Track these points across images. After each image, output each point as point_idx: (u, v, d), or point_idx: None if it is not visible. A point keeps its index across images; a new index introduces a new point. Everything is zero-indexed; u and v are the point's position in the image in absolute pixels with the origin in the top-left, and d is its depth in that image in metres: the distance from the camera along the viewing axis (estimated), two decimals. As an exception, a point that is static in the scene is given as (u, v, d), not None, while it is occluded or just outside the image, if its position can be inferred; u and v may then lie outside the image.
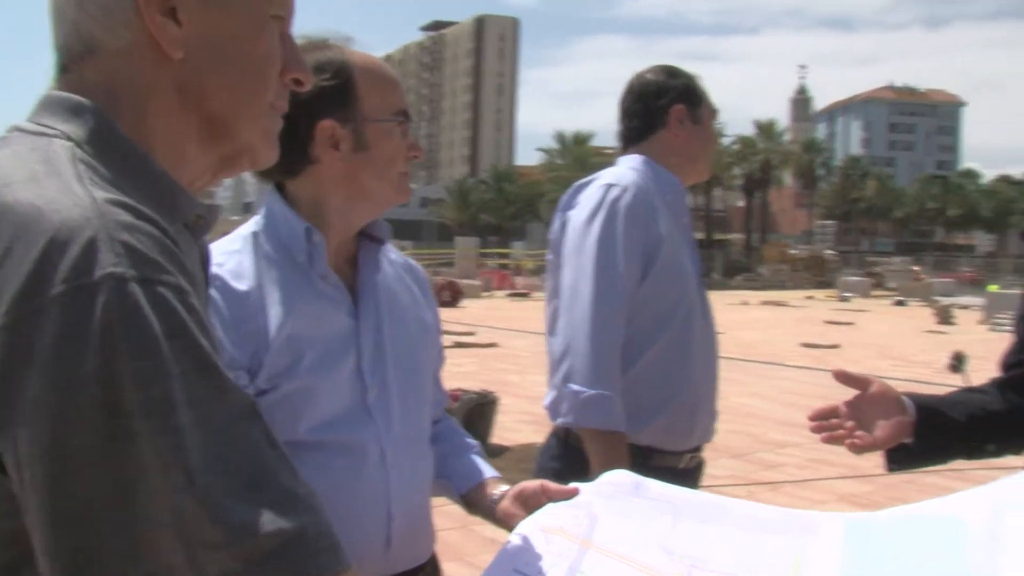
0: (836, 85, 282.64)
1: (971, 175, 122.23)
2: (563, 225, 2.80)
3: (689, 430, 2.78)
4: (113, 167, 0.97)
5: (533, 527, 1.49)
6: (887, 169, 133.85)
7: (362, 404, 1.75)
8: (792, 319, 26.23)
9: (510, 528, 1.62)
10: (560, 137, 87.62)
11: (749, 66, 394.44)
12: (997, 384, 2.19)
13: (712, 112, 2.97)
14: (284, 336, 1.68)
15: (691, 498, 1.60)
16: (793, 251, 57.83)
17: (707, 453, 2.95)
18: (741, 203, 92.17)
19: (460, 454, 1.98)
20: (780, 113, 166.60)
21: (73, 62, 1.05)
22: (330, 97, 1.73)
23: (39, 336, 0.83)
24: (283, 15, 1.14)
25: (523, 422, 9.57)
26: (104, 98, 1.02)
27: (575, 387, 2.59)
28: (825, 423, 2.03)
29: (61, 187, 0.91)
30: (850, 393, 2.04)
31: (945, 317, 26.43)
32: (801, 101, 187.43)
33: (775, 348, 18.17)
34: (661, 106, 2.88)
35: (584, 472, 1.82)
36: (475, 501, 1.86)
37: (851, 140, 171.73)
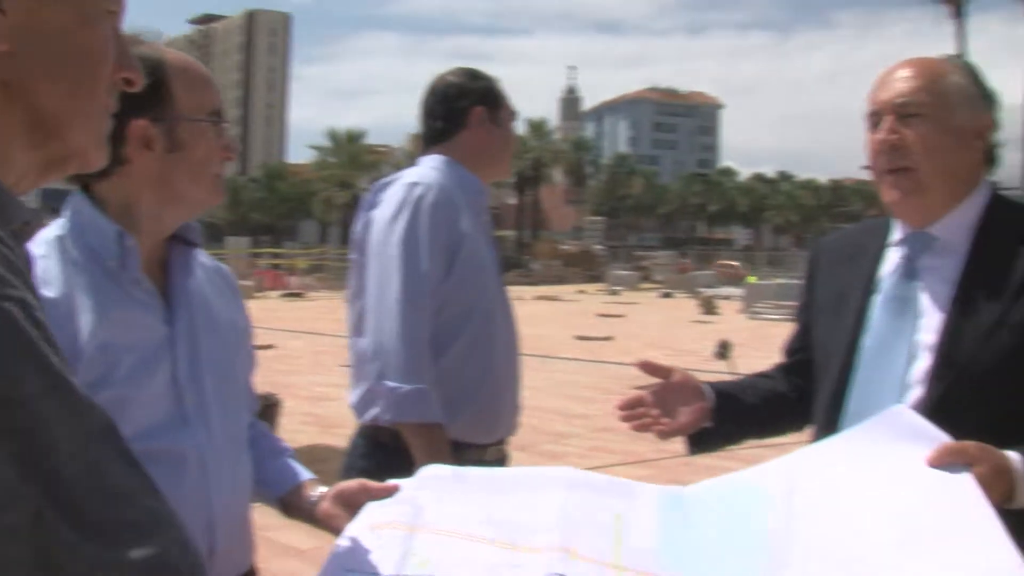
0: (604, 86, 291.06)
1: (729, 173, 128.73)
2: (367, 224, 2.80)
3: (494, 423, 2.85)
4: None
5: (361, 526, 1.50)
6: (652, 167, 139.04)
7: (179, 412, 1.70)
8: (565, 313, 26.94)
9: (331, 529, 1.62)
10: (333, 135, 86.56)
11: (521, 66, 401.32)
12: (782, 369, 2.38)
13: (511, 114, 3.03)
14: (96, 345, 1.60)
15: (512, 474, 1.66)
16: (564, 247, 59.37)
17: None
18: (513, 200, 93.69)
19: (275, 457, 1.96)
20: (550, 112, 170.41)
21: None
22: (143, 96, 1.66)
23: None
24: (115, 10, 1.08)
25: (307, 424, 9.46)
26: None
27: (391, 384, 2.60)
28: (633, 412, 2.12)
29: None
30: (624, 382, 2.15)
31: (709, 308, 27.81)
32: (571, 101, 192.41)
33: (551, 342, 18.61)
34: (462, 107, 2.92)
35: (394, 468, 1.82)
36: (293, 504, 1.84)
37: (618, 139, 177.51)
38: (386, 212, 2.74)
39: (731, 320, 25.02)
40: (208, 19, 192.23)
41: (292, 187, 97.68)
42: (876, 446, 1.62)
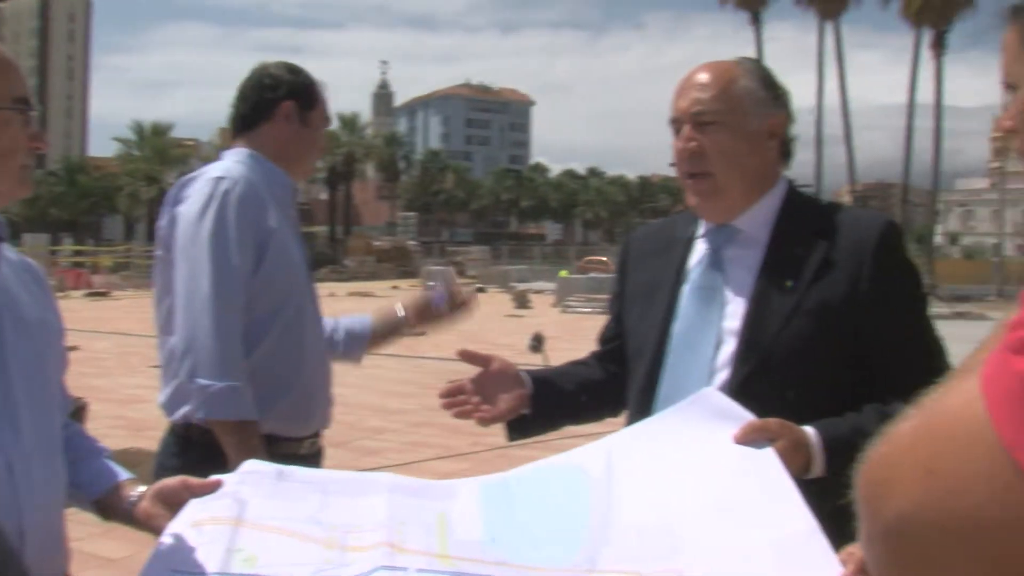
0: (417, 81, 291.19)
1: (541, 169, 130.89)
2: (172, 220, 2.73)
3: (308, 416, 2.84)
4: None
5: (183, 524, 1.48)
6: (465, 163, 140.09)
7: None
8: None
9: (151, 529, 1.58)
10: (138, 127, 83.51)
11: (333, 60, 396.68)
12: (597, 356, 2.46)
13: (325, 119, 2.99)
14: None
15: (336, 477, 1.67)
16: (377, 243, 59.12)
17: (317, 444, 2.99)
18: (324, 196, 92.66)
19: (90, 459, 1.88)
20: (363, 107, 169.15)
21: None
22: None
23: None
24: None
25: (116, 427, 9.13)
26: None
27: (203, 381, 2.55)
28: (455, 400, 2.16)
29: None
30: (440, 376, 2.19)
31: (522, 302, 28.20)
32: (383, 96, 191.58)
33: (366, 338, 18.49)
34: (272, 99, 2.87)
35: (207, 466, 1.79)
36: (110, 506, 1.78)
37: (431, 135, 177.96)
38: (192, 208, 2.67)
39: (544, 314, 25.48)
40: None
41: (95, 181, 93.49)
42: (687, 426, 1.72)
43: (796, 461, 1.75)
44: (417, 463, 8.11)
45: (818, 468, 1.82)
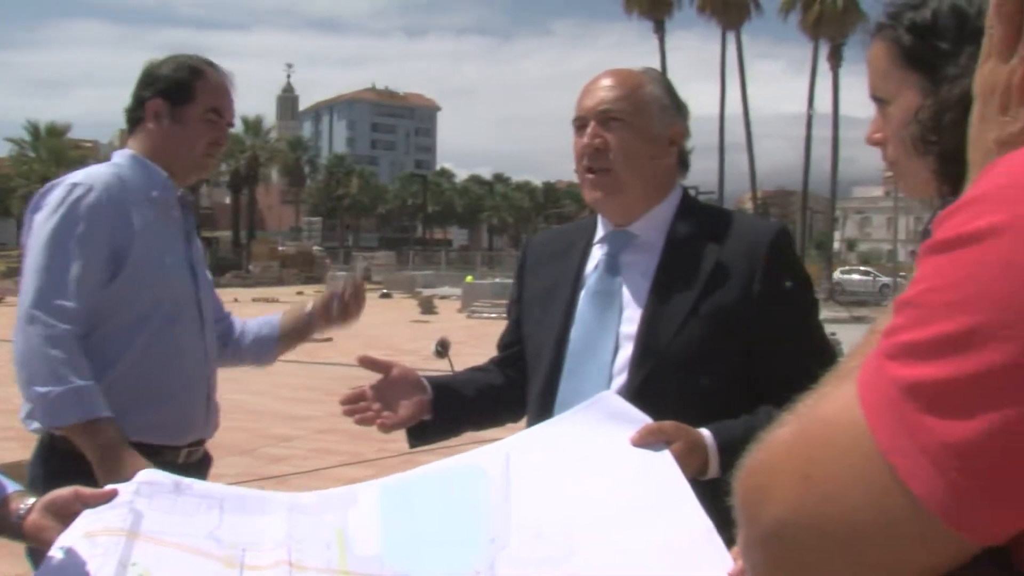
0: (323, 85, 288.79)
1: (446, 175, 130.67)
2: (28, 228, 2.65)
3: (184, 425, 2.76)
4: None
5: (75, 535, 1.44)
6: (370, 167, 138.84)
7: None
8: (285, 315, 26.49)
9: (41, 543, 1.53)
10: (32, 128, 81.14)
11: (238, 62, 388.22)
12: (496, 362, 2.48)
13: (209, 113, 2.79)
14: None
15: (235, 493, 1.65)
16: (282, 248, 58.40)
17: (211, 452, 2.95)
18: (228, 200, 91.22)
19: None
20: (267, 110, 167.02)
21: None
22: None
23: None
24: None
25: (7, 439, 8.84)
26: None
27: (41, 389, 2.45)
28: (356, 406, 2.16)
29: None
30: (346, 383, 2.20)
31: (428, 307, 28.14)
32: (288, 99, 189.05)
33: (270, 344, 18.26)
34: (144, 97, 2.78)
35: (75, 475, 1.74)
36: None
37: (336, 139, 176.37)
38: (42, 216, 2.59)
39: (450, 319, 25.45)
40: None
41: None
42: (586, 429, 1.76)
43: (692, 463, 1.80)
44: (323, 470, 8.06)
45: (714, 469, 1.86)
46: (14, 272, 44.82)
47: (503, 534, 1.51)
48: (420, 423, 2.24)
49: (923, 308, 0.71)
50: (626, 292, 2.19)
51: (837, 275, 49.88)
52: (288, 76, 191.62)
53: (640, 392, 1.99)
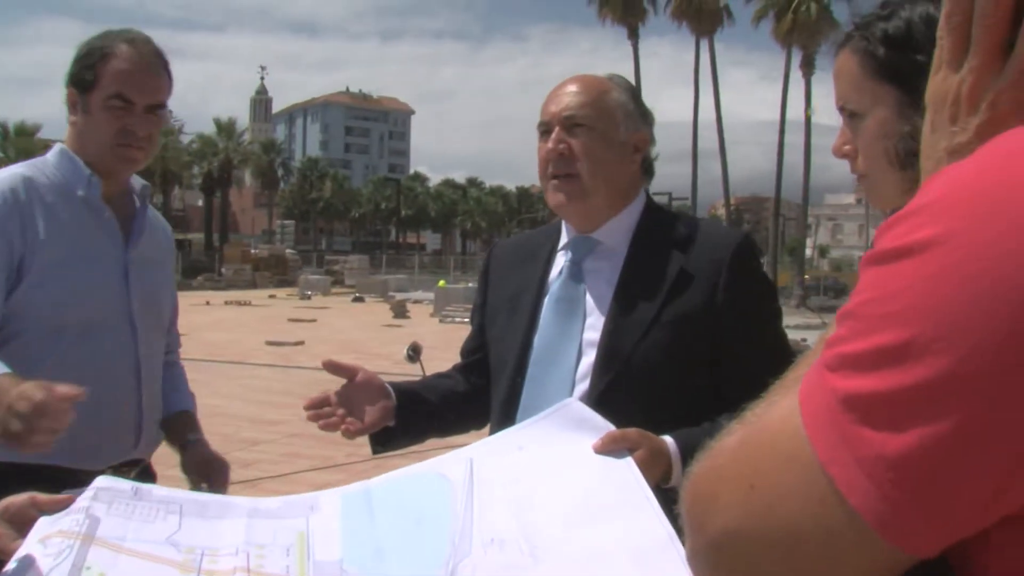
0: (296, 88, 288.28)
1: (420, 179, 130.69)
2: None
3: (104, 448, 2.48)
4: None
5: (31, 541, 1.43)
6: (343, 171, 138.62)
7: None
8: (256, 318, 26.43)
9: None
10: (1, 128, 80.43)
11: (212, 63, 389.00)
12: (460, 369, 2.49)
13: (109, 98, 2.45)
14: None
15: (195, 497, 1.65)
16: (255, 251, 58.20)
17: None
18: (200, 202, 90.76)
19: None
20: (241, 112, 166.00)
21: None
22: None
23: None
24: None
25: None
26: None
27: None
28: (320, 412, 2.15)
29: None
30: (317, 387, 2.19)
31: (400, 312, 28.12)
32: (261, 101, 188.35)
33: (241, 348, 18.21)
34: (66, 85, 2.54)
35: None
36: None
37: (309, 142, 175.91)
38: None
39: (422, 323, 25.45)
40: None
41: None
42: (550, 436, 1.76)
43: (656, 470, 1.81)
44: (292, 475, 8.03)
45: (677, 477, 1.86)
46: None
47: (465, 541, 1.51)
48: (384, 429, 2.23)
49: (862, 320, 0.71)
50: (589, 299, 2.20)
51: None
52: (262, 78, 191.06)
53: (603, 399, 2.00)
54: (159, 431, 2.70)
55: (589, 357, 2.13)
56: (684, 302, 2.10)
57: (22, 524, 1.49)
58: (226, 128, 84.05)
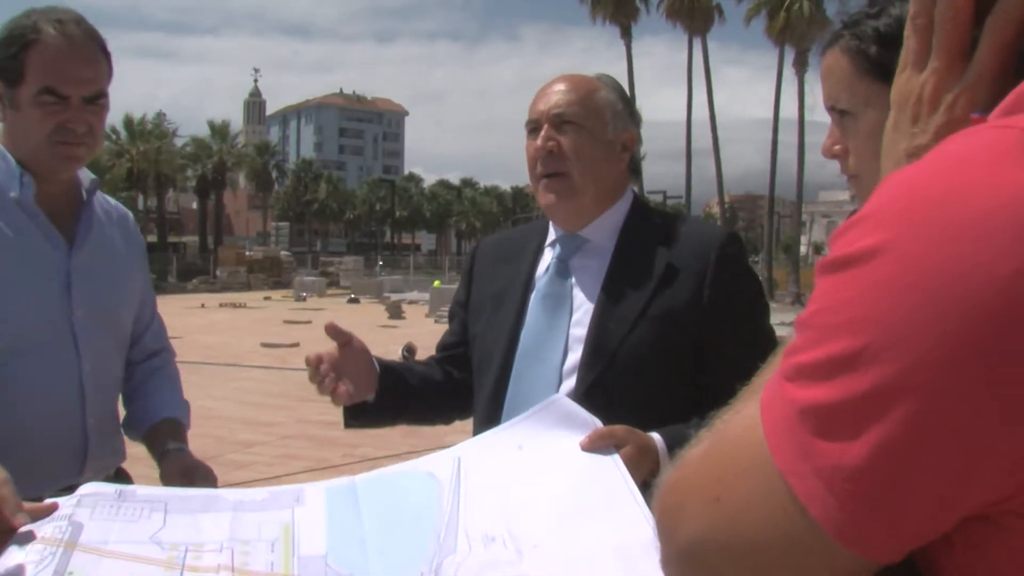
0: (290, 90, 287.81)
1: (414, 179, 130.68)
2: None
3: (37, 475, 2.07)
4: None
5: (13, 551, 1.43)
6: (338, 172, 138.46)
7: None
8: (251, 320, 26.42)
9: None
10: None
11: (205, 66, 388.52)
12: (436, 360, 2.49)
13: (39, 93, 2.18)
14: None
15: (180, 493, 1.65)
16: (249, 253, 58.15)
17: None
18: (195, 205, 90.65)
19: None
20: (235, 115, 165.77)
21: None
22: None
23: None
24: None
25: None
26: None
27: None
28: (320, 372, 2.12)
29: None
30: (312, 389, 2.17)
31: (395, 312, 28.11)
32: (255, 104, 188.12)
33: (236, 350, 18.21)
34: None
35: None
36: None
37: (303, 144, 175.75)
38: None
39: (417, 324, 25.42)
40: None
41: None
42: (537, 433, 1.77)
43: (643, 467, 1.80)
44: (287, 476, 8.03)
45: None
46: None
47: (451, 538, 1.52)
48: (361, 404, 2.21)
49: (816, 329, 0.72)
50: (576, 295, 2.20)
51: (803, 279, 50.15)
52: (255, 80, 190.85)
53: (589, 394, 2.01)
54: (121, 447, 2.49)
55: (576, 353, 2.13)
56: (671, 297, 2.11)
57: (4, 532, 1.48)
58: (220, 131, 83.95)
